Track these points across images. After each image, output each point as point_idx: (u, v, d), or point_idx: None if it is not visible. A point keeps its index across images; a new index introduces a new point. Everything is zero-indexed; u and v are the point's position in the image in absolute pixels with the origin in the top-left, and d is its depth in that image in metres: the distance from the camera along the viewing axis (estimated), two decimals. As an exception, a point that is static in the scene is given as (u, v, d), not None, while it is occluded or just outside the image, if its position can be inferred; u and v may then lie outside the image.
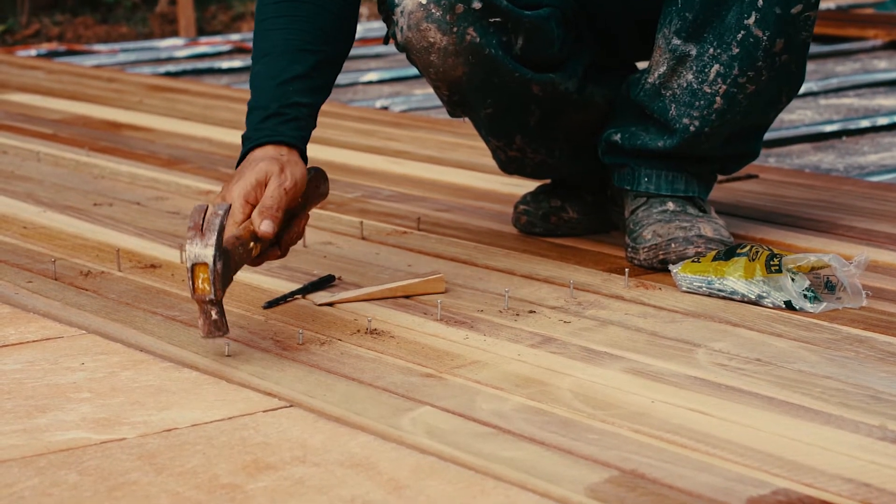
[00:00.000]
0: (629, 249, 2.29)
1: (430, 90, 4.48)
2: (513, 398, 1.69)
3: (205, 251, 1.80)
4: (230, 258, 1.84)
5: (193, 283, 1.80)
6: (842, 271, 2.01)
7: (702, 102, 2.23)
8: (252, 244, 1.91)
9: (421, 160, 3.27)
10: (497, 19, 2.16)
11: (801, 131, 3.95)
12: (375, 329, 1.96)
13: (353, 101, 4.69)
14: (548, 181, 2.55)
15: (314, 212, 2.69)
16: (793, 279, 2.03)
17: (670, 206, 2.29)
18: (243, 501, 1.40)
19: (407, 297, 2.12)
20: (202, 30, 7.31)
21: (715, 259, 2.11)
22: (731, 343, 1.88)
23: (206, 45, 6.28)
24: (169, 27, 7.31)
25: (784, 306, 2.02)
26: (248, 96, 2.12)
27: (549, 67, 2.28)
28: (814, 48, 5.43)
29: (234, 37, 6.69)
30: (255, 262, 1.97)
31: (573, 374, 1.77)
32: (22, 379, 1.78)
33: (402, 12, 2.16)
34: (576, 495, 1.40)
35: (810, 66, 5.04)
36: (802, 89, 3.76)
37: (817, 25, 5.50)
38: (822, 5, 6.93)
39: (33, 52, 6.08)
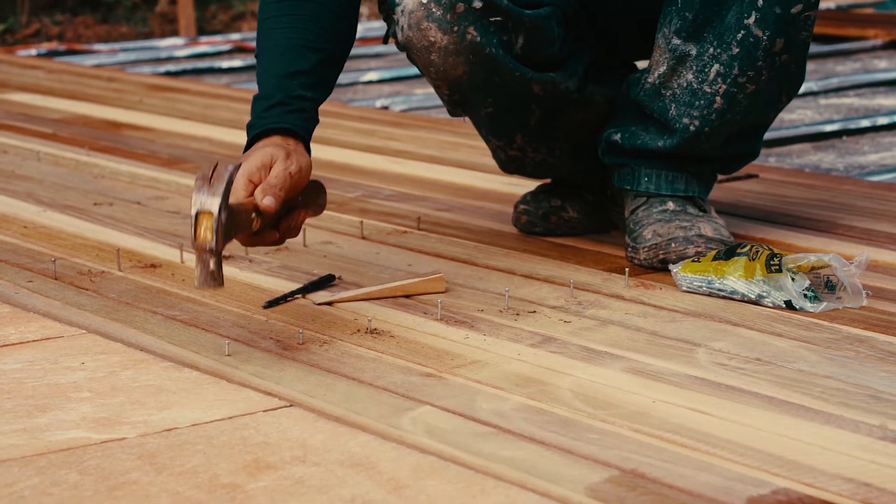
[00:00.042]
0: (629, 249, 2.29)
1: (431, 90, 4.48)
2: (513, 398, 1.69)
3: (211, 200, 1.80)
4: (234, 215, 1.84)
5: (195, 231, 1.79)
6: (842, 271, 2.01)
7: (702, 102, 2.23)
8: (254, 216, 1.91)
9: (421, 160, 3.27)
10: (498, 18, 2.16)
11: (802, 131, 3.95)
12: (375, 329, 1.96)
13: (353, 101, 4.69)
14: (548, 181, 2.55)
15: (314, 211, 2.69)
16: (793, 279, 2.03)
17: (670, 205, 2.29)
18: (243, 501, 1.40)
19: (407, 296, 2.12)
20: (202, 29, 7.31)
21: (715, 259, 2.11)
22: (732, 343, 1.88)
23: (206, 45, 6.28)
24: (169, 27, 7.31)
25: (784, 306, 2.02)
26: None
27: (550, 66, 2.28)
28: (814, 48, 5.43)
29: (235, 36, 6.69)
30: (254, 238, 1.96)
31: (573, 374, 1.77)
32: (22, 378, 1.78)
33: (402, 11, 2.16)
34: (576, 495, 1.40)
35: (810, 66, 5.04)
36: (802, 89, 3.77)
37: (817, 25, 5.51)
38: (822, 5, 6.93)
39: (33, 51, 6.08)
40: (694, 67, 2.22)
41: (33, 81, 4.87)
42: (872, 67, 5.32)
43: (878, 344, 1.86)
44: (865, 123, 4.02)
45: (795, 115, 4.31)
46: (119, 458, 1.51)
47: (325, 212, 2.69)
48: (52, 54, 6.06)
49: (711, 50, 2.20)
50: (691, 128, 2.25)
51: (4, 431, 1.59)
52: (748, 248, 2.09)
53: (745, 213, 2.62)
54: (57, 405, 1.68)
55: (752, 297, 2.04)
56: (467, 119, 2.39)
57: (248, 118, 2.09)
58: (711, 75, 2.21)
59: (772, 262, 2.04)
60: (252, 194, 1.93)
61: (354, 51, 5.43)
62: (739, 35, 2.18)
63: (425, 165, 3.19)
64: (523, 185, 2.77)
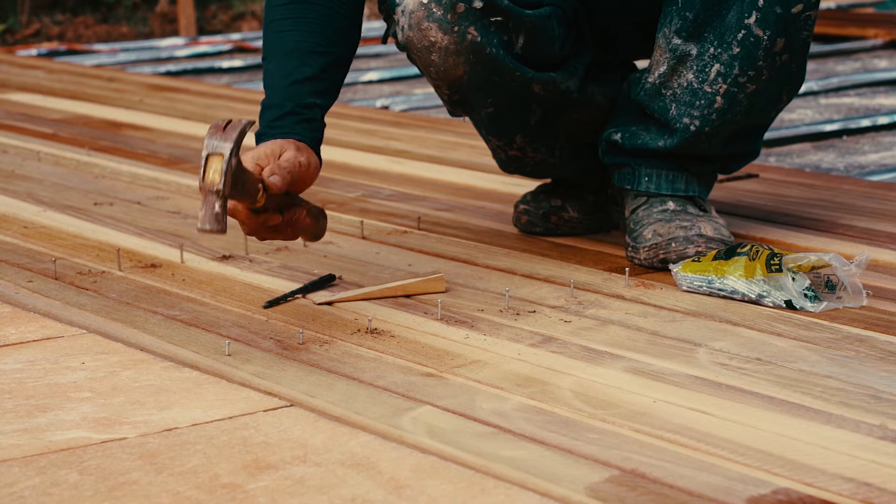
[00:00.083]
0: (629, 249, 2.29)
1: (431, 89, 4.48)
2: (513, 398, 1.69)
3: (223, 143, 1.81)
4: (243, 173, 1.85)
5: (204, 173, 1.80)
6: (842, 270, 2.01)
7: (702, 102, 2.23)
8: (260, 188, 1.91)
9: (421, 159, 3.27)
10: (498, 18, 2.16)
11: (802, 130, 3.95)
12: (376, 328, 1.96)
13: (353, 101, 4.69)
14: (548, 180, 2.55)
15: (314, 211, 2.69)
16: (793, 278, 2.03)
17: (671, 205, 2.29)
18: (244, 501, 1.40)
19: (407, 296, 2.12)
20: (202, 29, 7.31)
21: (715, 258, 2.11)
22: (732, 342, 1.88)
23: (206, 45, 6.28)
24: (169, 27, 7.31)
25: (784, 305, 2.02)
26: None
27: (550, 66, 2.28)
28: (814, 47, 5.43)
29: (235, 36, 6.69)
30: (256, 216, 1.95)
31: (574, 374, 1.77)
32: (22, 378, 1.78)
33: (402, 11, 2.16)
34: (576, 495, 1.40)
35: (811, 66, 5.04)
36: (803, 88, 3.77)
37: (818, 25, 5.51)
38: (823, 5, 6.93)
39: (34, 51, 6.09)
40: (694, 67, 2.22)
41: (34, 81, 4.87)
42: (873, 67, 5.32)
43: (879, 343, 1.86)
44: (866, 123, 4.02)
45: (796, 115, 4.31)
46: (119, 458, 1.51)
47: (325, 211, 2.69)
48: (52, 54, 6.06)
49: (712, 50, 2.20)
50: (692, 127, 2.25)
51: (5, 431, 1.59)
52: (748, 247, 2.09)
53: (745, 213, 2.62)
54: (57, 405, 1.68)
55: (753, 296, 2.04)
56: (467, 119, 2.39)
57: (247, 118, 2.09)
58: (712, 75, 2.21)
59: (772, 262, 2.04)
60: (260, 175, 1.95)
61: (355, 51, 5.43)
62: (740, 35, 2.18)
63: (425, 165, 3.20)
64: (523, 185, 2.77)
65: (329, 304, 2.08)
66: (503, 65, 2.19)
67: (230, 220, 1.89)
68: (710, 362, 1.80)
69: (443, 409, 1.65)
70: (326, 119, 2.13)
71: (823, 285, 2.06)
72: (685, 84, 2.23)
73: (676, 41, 2.22)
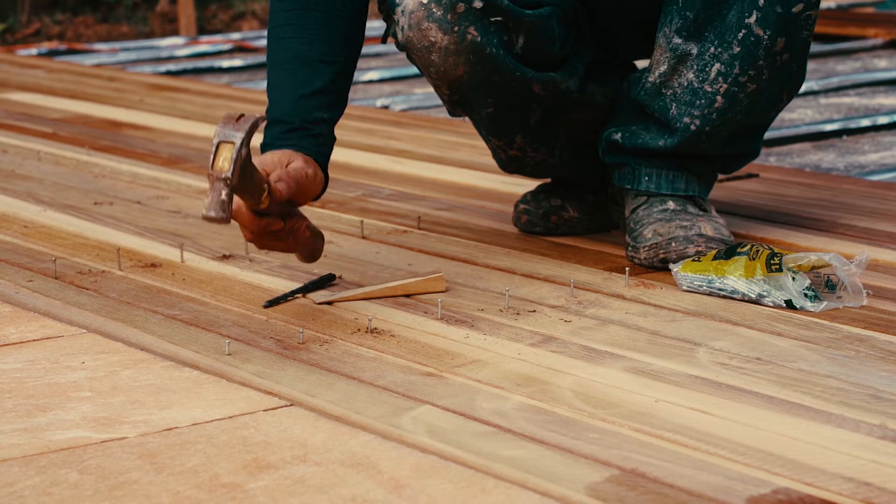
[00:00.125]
0: (629, 248, 2.29)
1: (431, 89, 4.48)
2: (513, 397, 1.69)
3: (235, 133, 1.82)
4: (252, 169, 1.86)
5: (214, 160, 1.81)
6: (842, 270, 2.01)
7: (703, 101, 2.23)
8: (265, 189, 1.92)
9: (421, 159, 3.27)
10: (498, 18, 2.16)
11: (802, 130, 3.95)
12: (376, 328, 1.96)
13: (353, 101, 4.69)
14: (548, 180, 2.55)
15: (315, 210, 2.69)
16: (793, 278, 2.03)
17: (671, 205, 2.29)
18: (244, 500, 1.40)
19: (407, 295, 2.12)
20: (202, 29, 7.31)
21: (715, 258, 2.11)
22: (732, 342, 1.88)
23: (206, 44, 6.28)
24: (169, 26, 7.31)
25: (784, 305, 2.02)
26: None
27: (550, 66, 2.28)
28: (814, 47, 5.43)
29: (235, 36, 6.69)
30: (258, 219, 1.96)
31: (574, 373, 1.77)
32: (22, 378, 1.78)
33: (402, 11, 2.16)
34: (576, 494, 1.40)
35: (811, 65, 5.04)
36: (803, 88, 3.77)
37: (818, 24, 5.50)
38: (823, 4, 6.93)
39: (34, 50, 6.08)
40: (695, 66, 2.22)
41: (34, 81, 4.87)
42: (873, 67, 5.32)
43: (879, 343, 1.86)
44: (866, 123, 4.02)
45: (796, 115, 4.31)
46: (119, 457, 1.51)
47: (325, 211, 2.70)
48: (52, 54, 6.06)
49: (712, 49, 2.20)
50: (692, 127, 2.25)
51: (5, 431, 1.59)
52: (748, 247, 2.09)
53: (745, 213, 2.62)
54: (57, 405, 1.68)
55: (753, 296, 2.04)
56: (467, 119, 2.39)
57: (260, 114, 2.09)
58: (712, 74, 2.21)
59: (772, 262, 2.04)
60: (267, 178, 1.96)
61: (355, 50, 5.43)
62: (740, 34, 2.18)
63: (425, 165, 3.20)
64: (523, 185, 2.77)
65: (329, 303, 2.08)
66: (503, 65, 2.19)
67: (231, 220, 1.89)
68: (711, 362, 1.80)
69: (443, 408, 1.65)
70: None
71: (823, 285, 2.06)
72: (685, 83, 2.23)
73: (677, 41, 2.22)
